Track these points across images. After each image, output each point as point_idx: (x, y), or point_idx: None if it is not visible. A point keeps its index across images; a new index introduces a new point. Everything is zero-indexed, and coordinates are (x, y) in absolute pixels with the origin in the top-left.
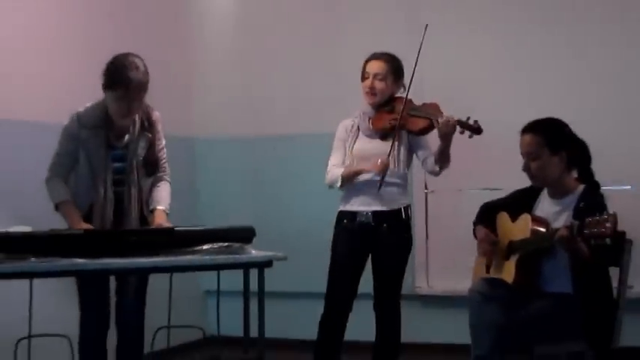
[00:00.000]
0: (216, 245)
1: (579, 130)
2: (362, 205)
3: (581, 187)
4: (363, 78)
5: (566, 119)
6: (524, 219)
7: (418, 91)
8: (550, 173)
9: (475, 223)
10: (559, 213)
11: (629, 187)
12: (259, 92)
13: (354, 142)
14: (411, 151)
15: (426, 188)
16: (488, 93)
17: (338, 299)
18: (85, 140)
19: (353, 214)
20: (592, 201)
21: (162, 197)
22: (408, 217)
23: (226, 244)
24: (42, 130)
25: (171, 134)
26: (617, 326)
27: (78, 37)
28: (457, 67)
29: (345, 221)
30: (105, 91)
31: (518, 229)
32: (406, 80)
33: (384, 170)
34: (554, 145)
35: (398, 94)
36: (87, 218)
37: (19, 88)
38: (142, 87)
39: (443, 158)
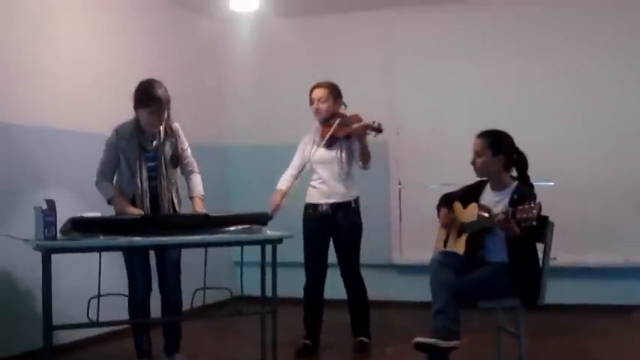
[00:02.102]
0: (240, 227)
1: (515, 138)
2: (321, 198)
3: (515, 183)
4: (311, 103)
5: (504, 129)
6: (473, 206)
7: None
8: (490, 169)
9: (438, 207)
10: (498, 202)
11: (552, 183)
12: (275, 112)
13: (310, 150)
14: (350, 153)
15: (399, 184)
16: (447, 112)
17: (312, 270)
18: (124, 148)
19: (315, 206)
20: (523, 193)
21: (196, 186)
22: (358, 206)
23: (248, 226)
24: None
25: (208, 143)
26: (542, 288)
27: (140, 67)
28: (430, 94)
29: (309, 211)
30: (137, 109)
31: (468, 214)
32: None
33: (272, 213)
34: (495, 148)
35: (341, 111)
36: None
37: (83, 107)
38: (167, 102)
39: (363, 156)
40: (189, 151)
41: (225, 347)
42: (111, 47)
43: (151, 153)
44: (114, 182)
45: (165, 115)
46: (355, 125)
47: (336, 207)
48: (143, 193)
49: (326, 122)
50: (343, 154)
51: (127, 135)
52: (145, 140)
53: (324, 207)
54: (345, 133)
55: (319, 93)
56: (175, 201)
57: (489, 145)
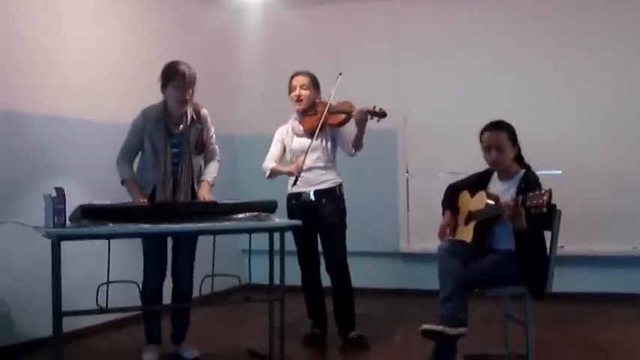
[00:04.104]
0: (248, 214)
1: (523, 127)
2: (305, 186)
3: (522, 172)
4: (291, 91)
5: (513, 119)
6: (481, 194)
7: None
8: (508, 160)
9: (443, 205)
10: (506, 190)
11: (560, 171)
12: (284, 102)
13: (291, 141)
14: (334, 141)
15: (407, 173)
16: (455, 101)
17: (305, 260)
18: (150, 131)
19: (298, 195)
20: (530, 181)
21: (210, 172)
22: (342, 193)
23: (256, 213)
24: (113, 128)
25: (216, 132)
26: (549, 275)
27: (150, 58)
28: (438, 83)
29: (293, 202)
30: (164, 88)
31: (476, 202)
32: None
33: (298, 170)
34: (513, 138)
35: (318, 100)
36: (152, 191)
37: (94, 96)
38: (193, 78)
39: (358, 143)
40: (214, 138)
41: (233, 334)
42: (121, 37)
43: (177, 138)
44: (136, 164)
45: (191, 92)
46: (356, 111)
47: (319, 194)
48: (166, 178)
49: (307, 112)
50: (328, 143)
51: (154, 118)
52: (171, 124)
53: (309, 195)
54: (339, 121)
55: (301, 80)
56: (197, 188)
57: (509, 137)
